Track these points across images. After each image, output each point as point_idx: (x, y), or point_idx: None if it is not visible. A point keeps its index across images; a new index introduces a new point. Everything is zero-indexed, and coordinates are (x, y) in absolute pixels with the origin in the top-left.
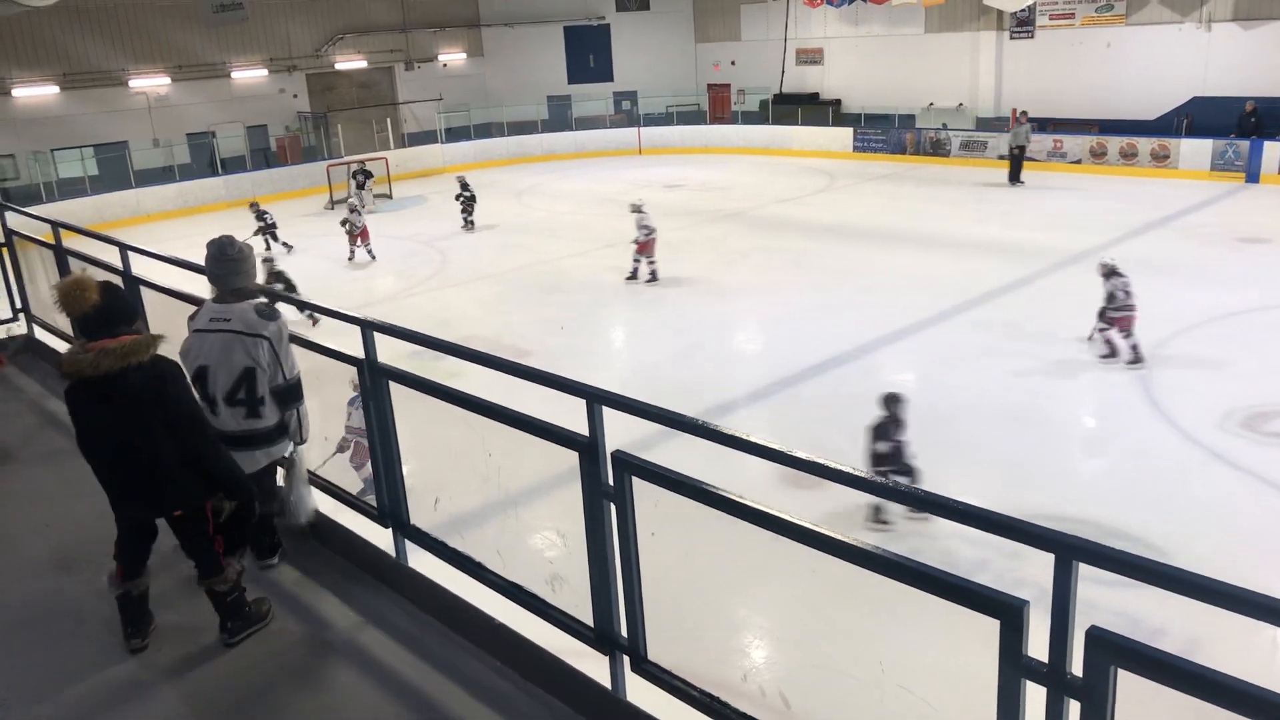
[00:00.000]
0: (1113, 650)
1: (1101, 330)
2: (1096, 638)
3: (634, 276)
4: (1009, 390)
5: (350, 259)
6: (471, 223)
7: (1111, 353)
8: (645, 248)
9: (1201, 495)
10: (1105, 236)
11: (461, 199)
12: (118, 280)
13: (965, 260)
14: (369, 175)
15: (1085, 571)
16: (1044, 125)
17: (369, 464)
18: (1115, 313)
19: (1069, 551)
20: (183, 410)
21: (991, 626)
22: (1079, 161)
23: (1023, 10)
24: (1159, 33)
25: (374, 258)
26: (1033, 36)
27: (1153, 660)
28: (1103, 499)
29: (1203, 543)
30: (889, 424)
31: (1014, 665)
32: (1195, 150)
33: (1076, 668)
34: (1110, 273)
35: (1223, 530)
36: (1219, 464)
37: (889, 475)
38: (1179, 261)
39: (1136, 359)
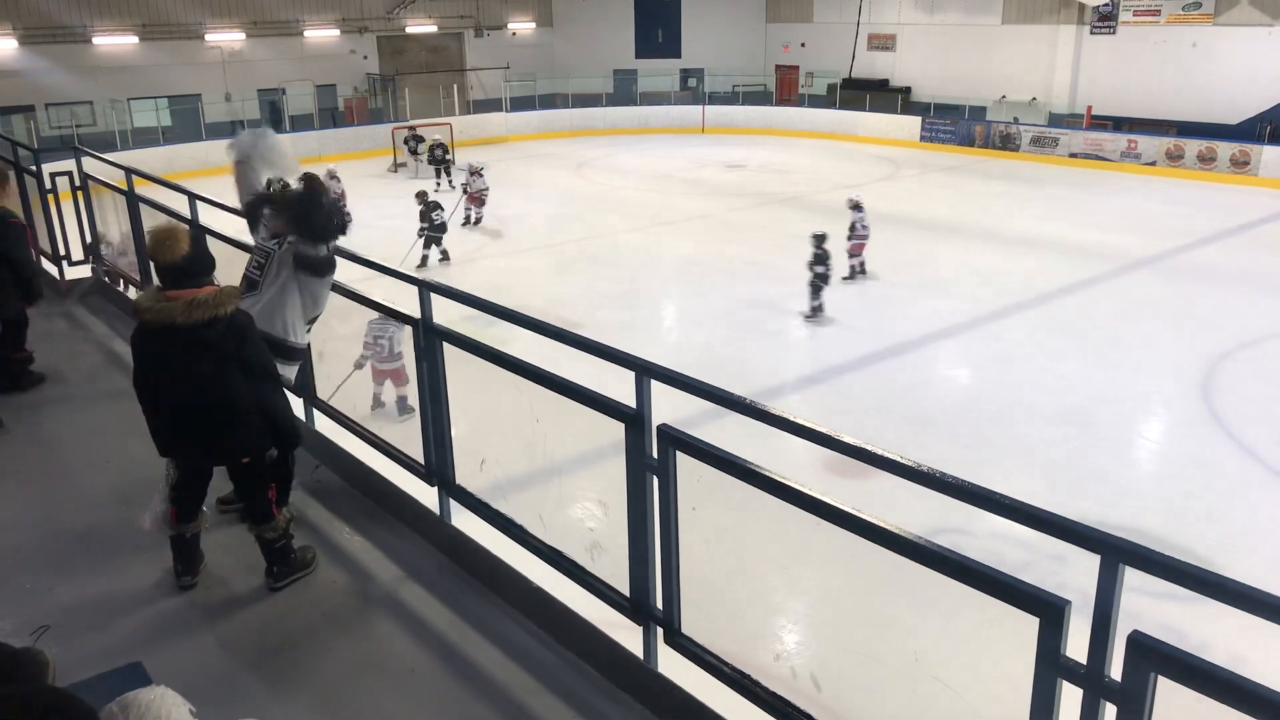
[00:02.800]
0: (1155, 657)
1: (850, 259)
2: (1138, 643)
3: (471, 222)
4: (1065, 392)
5: (468, 223)
6: (450, 183)
7: (851, 275)
8: (476, 199)
9: (1259, 512)
10: (1176, 241)
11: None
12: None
13: (1029, 257)
14: (420, 140)
15: (1130, 581)
16: (1119, 124)
17: (387, 383)
18: (851, 240)
19: (1115, 554)
20: (261, 359)
21: (1030, 625)
22: (1154, 163)
23: (1105, 5)
24: (1247, 35)
25: (479, 221)
26: (1114, 32)
27: (1196, 669)
28: (1154, 509)
29: (1255, 559)
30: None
31: (1051, 664)
32: (1277, 158)
33: (1115, 672)
34: (855, 207)
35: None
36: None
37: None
38: (1251, 272)
39: (863, 273)
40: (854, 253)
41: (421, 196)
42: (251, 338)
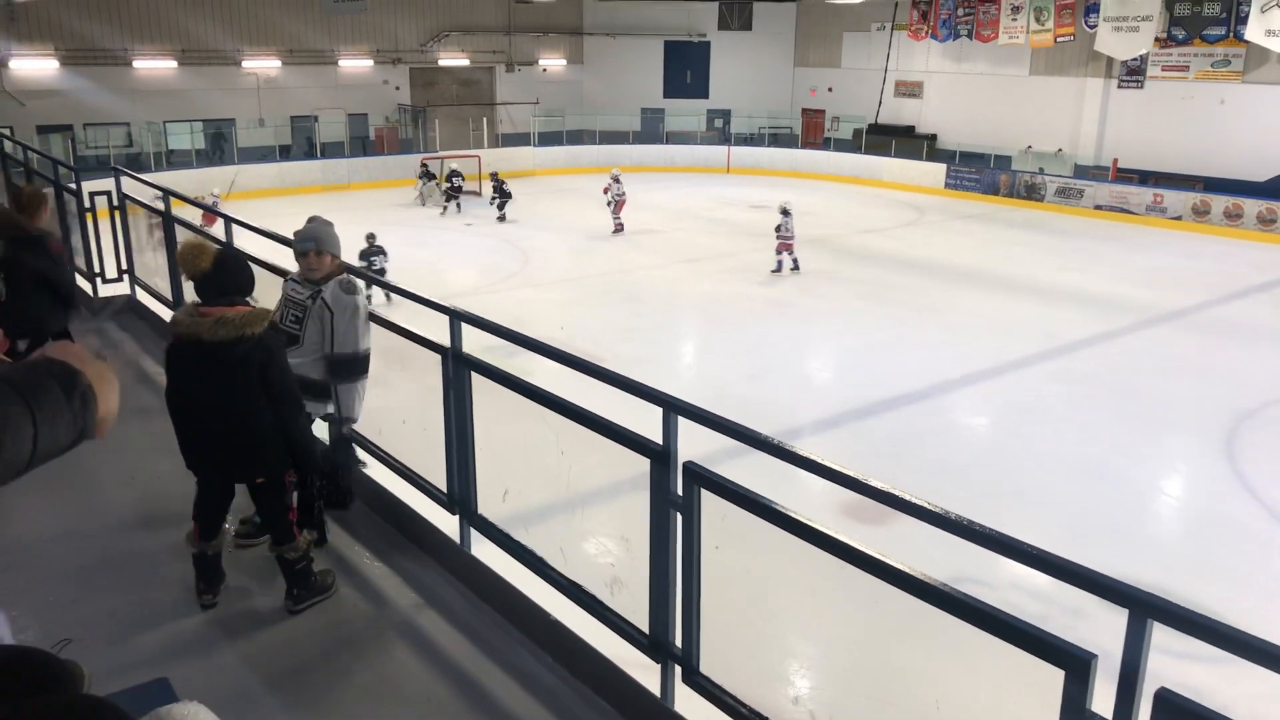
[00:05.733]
0: (1182, 714)
1: (778, 255)
2: (1166, 699)
3: (619, 229)
4: (1084, 444)
5: (617, 230)
6: (503, 216)
7: (779, 268)
8: (619, 207)
9: None
10: (1201, 296)
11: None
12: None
13: (1051, 308)
14: (431, 175)
15: (1153, 639)
16: (1146, 178)
17: None
18: (780, 239)
19: (1145, 609)
20: (284, 382)
21: (1054, 678)
22: (1179, 218)
23: (1134, 59)
24: (1276, 93)
25: (622, 229)
26: (1142, 87)
27: None
28: (1174, 566)
29: None
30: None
31: (1076, 719)
32: None
33: None
34: (784, 212)
35: None
36: None
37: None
38: (1277, 329)
39: (795, 268)
40: (788, 250)
41: (369, 239)
42: (277, 361)
